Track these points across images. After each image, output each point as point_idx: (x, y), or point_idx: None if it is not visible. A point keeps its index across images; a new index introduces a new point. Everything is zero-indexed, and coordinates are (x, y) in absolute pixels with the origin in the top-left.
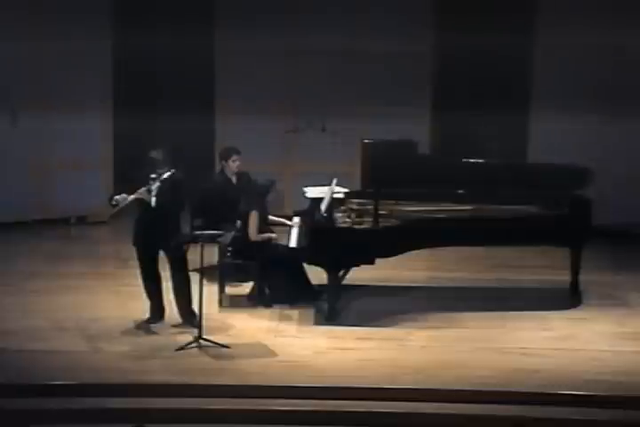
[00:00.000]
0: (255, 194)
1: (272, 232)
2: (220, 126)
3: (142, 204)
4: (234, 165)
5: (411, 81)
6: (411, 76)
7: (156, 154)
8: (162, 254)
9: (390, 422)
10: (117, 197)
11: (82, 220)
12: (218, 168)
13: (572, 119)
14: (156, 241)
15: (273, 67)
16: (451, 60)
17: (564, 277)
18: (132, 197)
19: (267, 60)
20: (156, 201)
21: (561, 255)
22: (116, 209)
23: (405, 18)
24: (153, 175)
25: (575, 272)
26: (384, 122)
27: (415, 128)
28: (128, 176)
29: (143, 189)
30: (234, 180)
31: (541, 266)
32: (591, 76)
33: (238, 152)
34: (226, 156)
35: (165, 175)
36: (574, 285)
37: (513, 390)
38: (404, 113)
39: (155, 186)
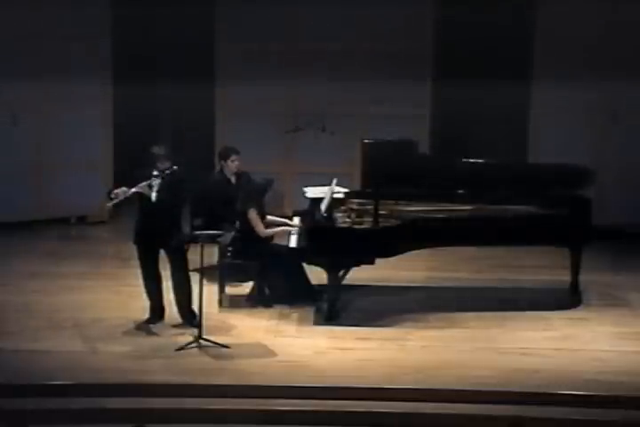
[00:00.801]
0: (252, 193)
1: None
2: (220, 126)
3: (143, 199)
4: (233, 165)
5: (411, 81)
6: (411, 75)
7: (157, 150)
8: (162, 254)
9: (390, 422)
10: (117, 190)
11: (82, 220)
12: (217, 168)
13: (573, 121)
14: (157, 239)
15: (273, 67)
16: (451, 60)
17: (564, 278)
18: (133, 190)
19: (267, 59)
20: (157, 196)
21: (561, 255)
22: (115, 201)
23: (405, 17)
24: (155, 172)
25: (575, 272)
26: (384, 122)
27: (415, 128)
28: (132, 174)
29: (144, 183)
30: (233, 180)
31: (541, 266)
32: (592, 81)
33: (237, 152)
34: (225, 155)
35: (167, 171)
36: (574, 285)
37: (513, 390)
38: (403, 113)
39: (156, 182)
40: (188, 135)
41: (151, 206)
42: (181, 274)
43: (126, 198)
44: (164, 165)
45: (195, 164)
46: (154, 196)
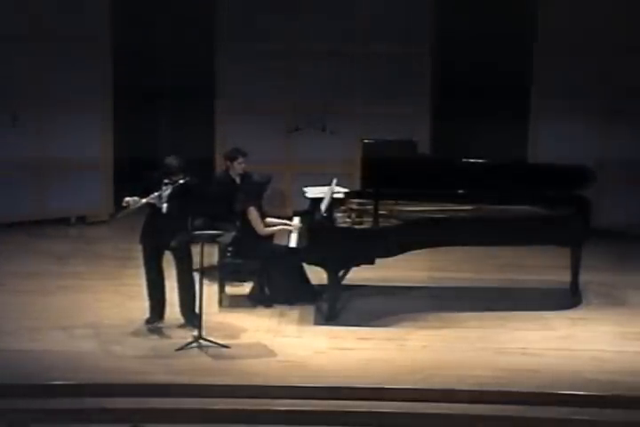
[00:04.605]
0: (251, 192)
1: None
2: (220, 126)
3: (153, 208)
4: (239, 167)
5: (411, 81)
6: (411, 76)
7: (171, 160)
8: (167, 254)
9: (390, 422)
10: (129, 198)
11: (82, 220)
12: (221, 168)
13: (573, 121)
14: (164, 243)
15: (273, 67)
16: (451, 60)
17: (564, 278)
18: (144, 201)
19: (267, 59)
20: (168, 208)
21: (561, 255)
22: (126, 211)
23: (406, 17)
24: (166, 181)
25: (575, 272)
26: (384, 122)
27: (415, 128)
28: (142, 177)
29: (155, 194)
30: (237, 180)
31: (541, 266)
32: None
33: (245, 154)
34: (232, 157)
35: (179, 182)
36: (574, 285)
37: (513, 390)
38: (403, 113)
39: (167, 192)
40: (188, 135)
41: (161, 216)
42: (187, 274)
43: (137, 209)
44: (177, 176)
45: (194, 164)
46: (165, 207)
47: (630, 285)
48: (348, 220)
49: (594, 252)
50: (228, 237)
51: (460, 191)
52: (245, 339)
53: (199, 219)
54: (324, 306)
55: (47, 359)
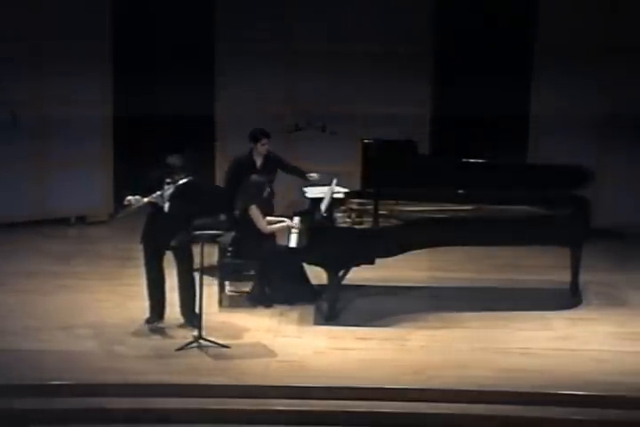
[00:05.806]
0: (252, 190)
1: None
2: (220, 126)
3: (154, 207)
4: (263, 148)
5: (411, 81)
6: (411, 76)
7: (173, 160)
8: (167, 254)
9: (390, 422)
10: (131, 197)
11: (82, 220)
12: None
13: (573, 121)
14: (165, 242)
15: (273, 67)
16: (451, 60)
17: (564, 278)
18: (146, 200)
19: (267, 59)
20: (170, 207)
21: (561, 255)
22: (127, 210)
23: (405, 17)
24: (168, 180)
25: (575, 272)
26: (384, 122)
27: (415, 128)
28: (146, 177)
29: (157, 193)
30: (259, 163)
31: (541, 266)
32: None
33: (268, 135)
34: (256, 138)
35: (181, 182)
36: (574, 285)
37: (513, 390)
38: (403, 113)
39: (169, 192)
40: (188, 135)
41: (163, 216)
42: (187, 274)
43: (138, 208)
44: (179, 175)
45: (194, 164)
46: (166, 206)
47: (630, 285)
48: (348, 220)
49: (594, 252)
50: (227, 237)
51: (460, 191)
52: (245, 339)
53: (200, 218)
54: (324, 306)
55: (47, 359)
